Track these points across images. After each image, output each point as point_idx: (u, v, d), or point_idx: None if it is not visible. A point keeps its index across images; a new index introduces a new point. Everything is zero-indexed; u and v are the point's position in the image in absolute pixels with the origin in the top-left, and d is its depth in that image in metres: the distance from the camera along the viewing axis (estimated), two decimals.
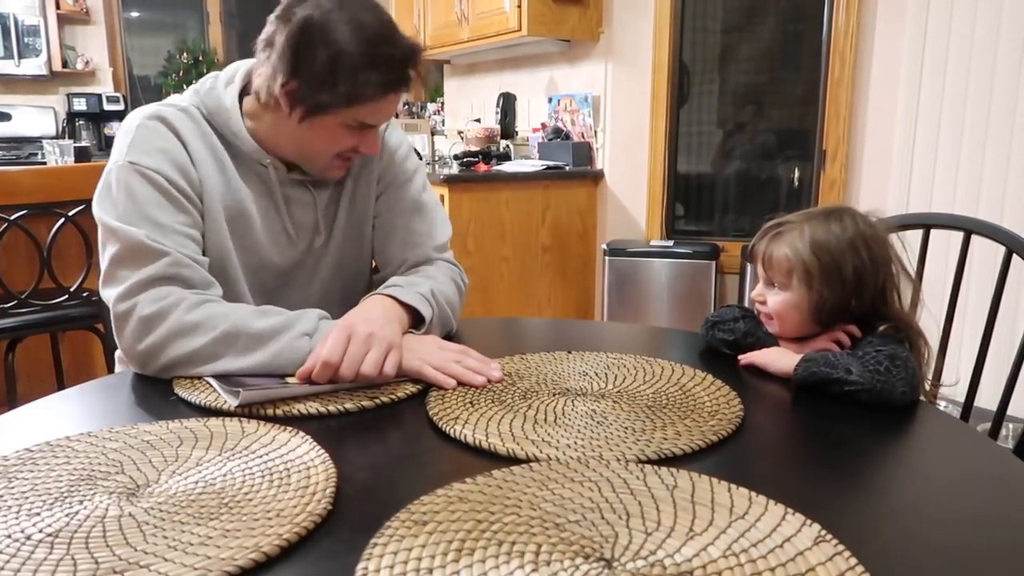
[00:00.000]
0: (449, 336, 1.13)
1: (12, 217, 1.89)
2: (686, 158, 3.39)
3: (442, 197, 3.03)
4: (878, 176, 2.70)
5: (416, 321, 1.06)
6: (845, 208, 1.03)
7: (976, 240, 1.29)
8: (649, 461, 0.71)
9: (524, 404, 0.85)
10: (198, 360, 0.94)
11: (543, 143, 3.62)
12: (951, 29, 2.35)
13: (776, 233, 1.03)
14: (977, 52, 2.28)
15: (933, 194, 2.44)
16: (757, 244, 1.06)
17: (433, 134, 4.16)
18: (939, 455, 0.79)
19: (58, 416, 0.87)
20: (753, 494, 0.62)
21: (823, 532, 0.57)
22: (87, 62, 5.37)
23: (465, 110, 4.49)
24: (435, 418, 0.82)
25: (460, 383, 0.92)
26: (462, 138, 3.93)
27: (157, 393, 0.92)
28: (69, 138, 5.08)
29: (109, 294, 0.98)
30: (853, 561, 0.53)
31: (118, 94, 5.36)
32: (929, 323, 1.07)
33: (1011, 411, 1.22)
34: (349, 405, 0.86)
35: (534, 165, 3.41)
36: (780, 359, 0.97)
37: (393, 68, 1.02)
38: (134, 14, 5.89)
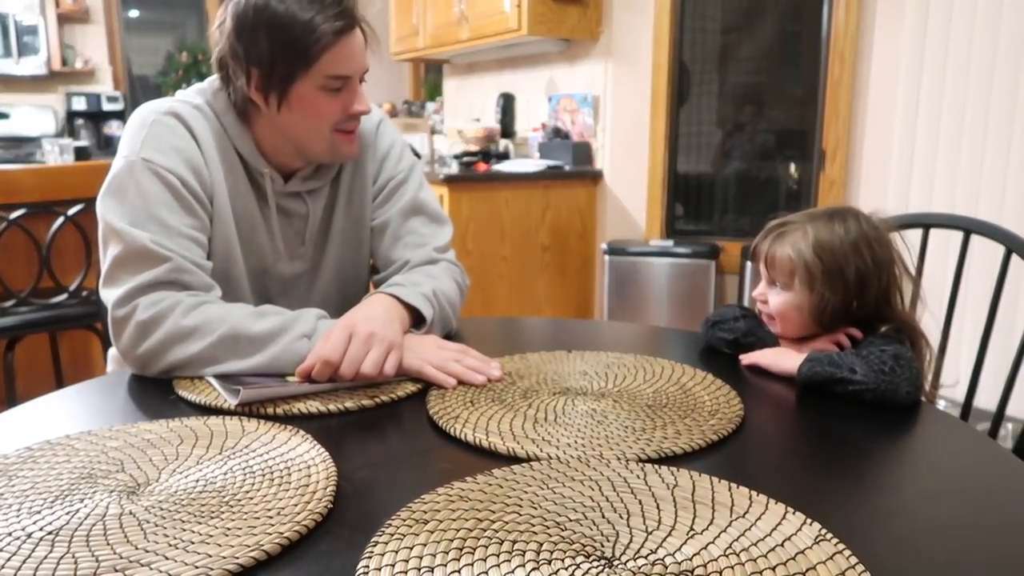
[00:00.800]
0: (449, 336, 1.13)
1: (11, 216, 1.88)
2: (686, 158, 3.39)
3: (442, 197, 3.03)
4: (877, 176, 2.70)
5: (417, 321, 1.06)
6: (849, 209, 1.03)
7: (976, 240, 1.29)
8: (649, 460, 0.71)
9: (524, 403, 0.85)
10: (196, 364, 0.94)
11: (543, 143, 3.62)
12: (950, 29, 2.35)
13: (779, 233, 1.03)
14: (976, 52, 2.28)
15: (933, 194, 2.44)
16: (760, 243, 1.05)
17: (432, 134, 4.15)
18: (939, 455, 0.79)
19: (58, 415, 0.87)
20: (753, 493, 0.62)
21: (823, 531, 0.57)
22: (86, 61, 5.38)
23: (465, 110, 4.49)
24: (435, 417, 0.82)
25: (460, 382, 0.92)
26: (461, 138, 3.92)
27: (157, 392, 0.92)
28: (68, 137, 5.08)
29: (108, 295, 0.98)
30: (853, 560, 0.53)
31: (117, 93, 5.37)
32: (929, 323, 1.07)
33: (1010, 411, 1.22)
34: (349, 404, 0.86)
35: (534, 165, 3.41)
36: (783, 359, 0.97)
37: (328, 8, 1.01)
38: (133, 13, 5.89)
